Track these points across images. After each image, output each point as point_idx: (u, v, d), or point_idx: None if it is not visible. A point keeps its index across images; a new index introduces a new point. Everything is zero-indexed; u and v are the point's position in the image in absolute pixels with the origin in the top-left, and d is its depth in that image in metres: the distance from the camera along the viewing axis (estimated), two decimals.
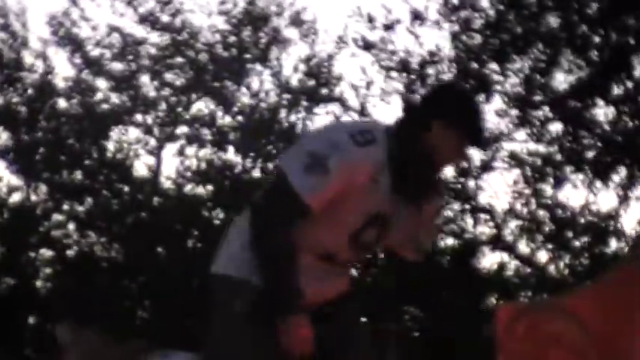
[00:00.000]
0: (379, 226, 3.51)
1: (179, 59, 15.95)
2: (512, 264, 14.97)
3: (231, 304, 3.46)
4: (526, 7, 12.58)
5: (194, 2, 16.40)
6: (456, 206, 14.10)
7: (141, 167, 16.22)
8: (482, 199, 14.33)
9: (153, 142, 16.20)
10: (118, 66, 16.04)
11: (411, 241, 3.65)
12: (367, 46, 13.50)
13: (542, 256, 14.56)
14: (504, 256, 14.79)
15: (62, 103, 16.12)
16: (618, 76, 12.50)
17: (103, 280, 14.47)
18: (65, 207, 15.92)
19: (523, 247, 14.51)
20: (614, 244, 14.14)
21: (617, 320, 3.95)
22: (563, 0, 12.44)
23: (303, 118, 15.61)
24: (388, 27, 13.35)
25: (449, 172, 12.99)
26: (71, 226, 15.95)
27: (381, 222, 3.50)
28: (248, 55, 15.80)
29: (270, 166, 15.54)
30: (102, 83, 16.12)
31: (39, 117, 15.85)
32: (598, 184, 13.15)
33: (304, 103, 15.52)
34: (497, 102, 13.04)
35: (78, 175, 15.81)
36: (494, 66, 12.84)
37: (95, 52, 16.05)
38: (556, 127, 13.16)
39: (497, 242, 14.45)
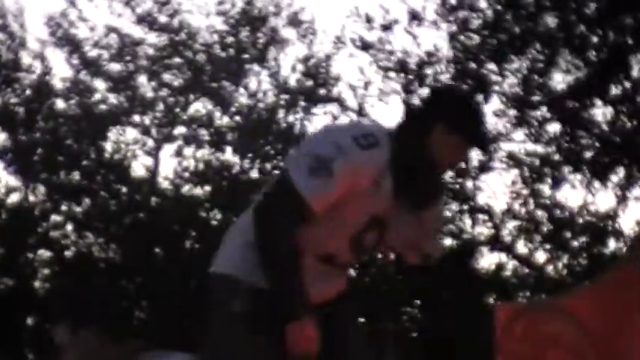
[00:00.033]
0: (378, 229, 3.51)
1: (177, 60, 15.95)
2: (511, 264, 14.98)
3: (230, 303, 3.46)
4: (524, 7, 12.58)
5: (192, 3, 16.44)
6: (455, 206, 14.11)
7: (138, 168, 16.23)
8: (481, 199, 14.34)
9: (150, 142, 16.20)
10: (115, 67, 16.04)
11: (412, 245, 3.65)
12: (365, 46, 13.50)
13: (541, 257, 14.57)
14: (503, 257, 14.80)
15: (60, 103, 16.11)
16: (616, 76, 12.50)
17: (101, 280, 14.46)
18: (63, 208, 15.91)
19: (521, 247, 14.52)
20: (612, 245, 14.15)
21: (615, 320, 3.94)
22: (560, 0, 12.43)
23: (301, 119, 15.62)
24: (386, 27, 13.35)
25: (447, 172, 12.99)
26: (69, 227, 15.95)
27: (380, 225, 3.50)
28: (246, 56, 15.80)
29: (268, 166, 15.54)
30: (100, 84, 16.13)
31: (37, 117, 15.84)
32: (596, 184, 13.16)
33: (302, 103, 15.51)
34: (495, 102, 13.06)
35: (76, 175, 15.80)
36: (492, 66, 12.84)
37: (93, 52, 16.04)
38: (554, 128, 13.17)
39: (495, 242, 14.45)
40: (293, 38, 15.86)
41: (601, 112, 12.84)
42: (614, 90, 12.64)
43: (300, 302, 3.36)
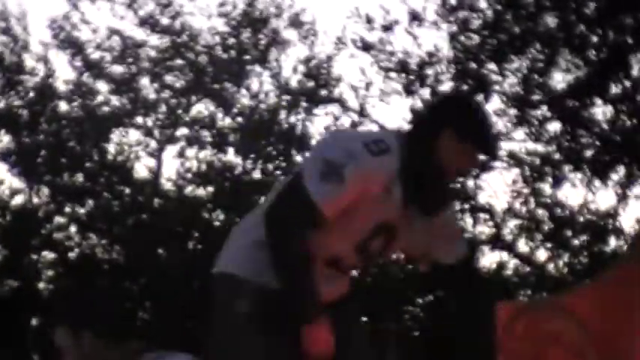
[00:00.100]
0: (386, 235, 3.50)
1: (179, 61, 15.94)
2: (512, 263, 14.97)
3: (233, 303, 3.45)
4: (524, 7, 12.56)
5: (194, 5, 16.41)
6: (456, 206, 14.10)
7: (141, 169, 16.22)
8: (482, 198, 14.33)
9: (153, 144, 16.20)
10: (118, 69, 16.04)
11: (423, 252, 3.66)
12: (366, 47, 13.49)
13: (542, 255, 14.56)
14: (504, 255, 14.79)
15: (63, 105, 16.12)
16: (616, 76, 12.48)
17: (104, 281, 14.46)
18: (67, 209, 15.91)
19: (522, 246, 14.51)
20: (613, 243, 14.14)
21: (616, 319, 3.93)
22: (560, 0, 12.42)
23: (303, 119, 15.61)
24: (387, 28, 13.34)
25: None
26: (73, 228, 15.95)
27: (388, 231, 3.50)
28: (247, 57, 15.79)
29: (270, 167, 15.53)
30: (102, 86, 16.12)
31: (40, 120, 15.84)
32: (597, 182, 13.14)
33: (304, 104, 15.50)
34: (495, 102, 13.04)
35: (79, 177, 15.80)
36: (492, 66, 12.83)
37: (95, 55, 16.04)
38: (554, 127, 13.16)
39: (496, 241, 14.44)
40: (294, 39, 15.86)
41: (601, 111, 12.83)
42: (614, 89, 12.63)
43: (312, 303, 3.36)
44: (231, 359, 3.46)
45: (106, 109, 16.06)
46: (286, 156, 15.51)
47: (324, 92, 15.34)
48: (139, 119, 16.18)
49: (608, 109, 12.78)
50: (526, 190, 13.99)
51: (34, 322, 15.69)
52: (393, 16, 13.32)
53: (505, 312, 4.05)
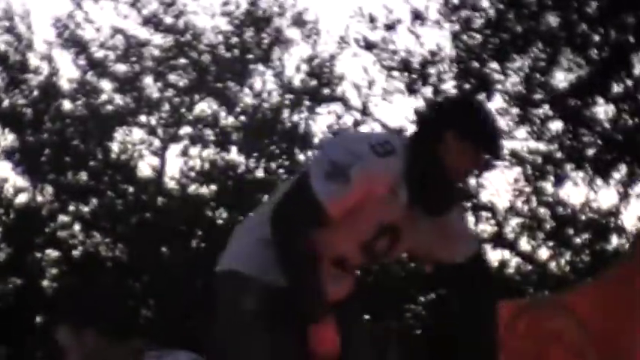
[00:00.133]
0: (391, 236, 3.51)
1: (182, 60, 15.93)
2: (514, 261, 14.95)
3: (239, 301, 3.44)
4: (526, 6, 12.56)
5: (197, 4, 16.37)
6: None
7: (145, 168, 16.21)
8: (484, 196, 14.32)
9: (157, 142, 16.19)
10: (122, 67, 16.02)
11: (428, 252, 3.66)
12: (369, 46, 13.48)
13: (544, 254, 14.55)
14: (506, 254, 14.78)
15: (67, 104, 16.10)
16: (618, 75, 12.47)
17: (108, 280, 14.46)
18: (71, 208, 15.91)
19: (524, 244, 14.50)
20: (614, 241, 14.13)
21: (617, 317, 3.93)
22: None
23: (306, 118, 15.60)
24: (389, 27, 13.33)
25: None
26: (77, 227, 15.95)
27: (392, 232, 3.50)
28: (250, 56, 15.78)
29: (273, 165, 15.52)
30: (106, 85, 16.11)
31: (44, 118, 15.84)
32: (598, 181, 13.13)
33: (307, 102, 15.50)
34: (498, 100, 13.04)
35: (83, 176, 15.79)
36: (494, 65, 12.82)
37: (99, 53, 16.03)
38: (556, 125, 13.15)
39: (498, 240, 14.43)
40: (297, 38, 15.85)
41: (603, 110, 12.83)
42: (616, 88, 12.62)
43: (319, 303, 3.36)
44: (236, 356, 3.45)
45: (109, 107, 16.05)
46: (289, 154, 15.51)
47: (326, 91, 15.33)
48: (143, 118, 16.18)
49: (610, 108, 12.77)
50: (528, 189, 13.98)
51: (38, 319, 15.69)
52: (395, 16, 13.33)
53: (507, 310, 4.05)
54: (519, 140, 13.47)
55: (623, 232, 13.97)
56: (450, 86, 13.07)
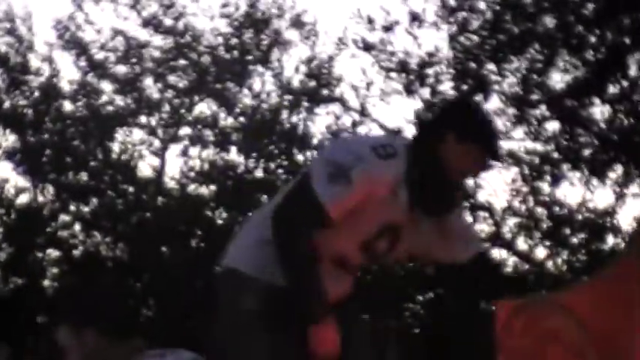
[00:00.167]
0: (391, 236, 3.50)
1: (182, 62, 15.92)
2: (511, 260, 14.95)
3: (240, 300, 3.44)
4: (523, 8, 12.55)
5: (196, 6, 16.37)
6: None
7: (145, 168, 16.21)
8: (481, 196, 14.31)
9: (157, 143, 16.18)
10: (122, 69, 16.02)
11: (429, 253, 3.67)
12: (367, 47, 13.47)
13: (541, 253, 14.55)
14: (503, 253, 14.77)
15: (68, 105, 16.10)
16: (614, 76, 12.47)
17: (107, 279, 14.45)
18: (71, 208, 15.91)
19: (521, 243, 14.50)
20: (610, 241, 14.13)
21: (614, 316, 3.92)
22: (559, 1, 12.40)
23: (305, 119, 15.60)
24: (387, 28, 13.32)
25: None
26: (77, 227, 15.95)
27: (393, 233, 3.50)
28: (250, 57, 15.77)
29: (272, 165, 15.51)
30: (106, 86, 16.11)
31: (45, 119, 15.83)
32: (595, 181, 13.14)
33: (305, 103, 15.49)
34: (495, 101, 13.03)
35: (84, 176, 15.79)
36: (491, 66, 12.81)
37: (100, 55, 16.02)
38: (553, 126, 13.15)
39: (496, 239, 14.42)
40: (296, 40, 15.84)
41: (599, 111, 12.83)
42: (612, 89, 12.62)
43: (319, 303, 3.35)
44: (236, 356, 3.45)
45: (110, 108, 16.05)
46: (288, 155, 15.50)
47: (325, 92, 15.33)
48: (143, 119, 16.18)
49: (606, 109, 12.77)
50: (525, 189, 13.98)
51: (38, 320, 15.68)
52: (393, 17, 13.32)
53: (504, 310, 4.04)
54: (516, 140, 13.48)
55: (619, 231, 13.97)
56: (447, 87, 13.07)
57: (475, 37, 12.83)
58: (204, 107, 16.10)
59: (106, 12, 16.10)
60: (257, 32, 15.82)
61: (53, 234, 15.75)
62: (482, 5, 12.73)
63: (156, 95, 16.12)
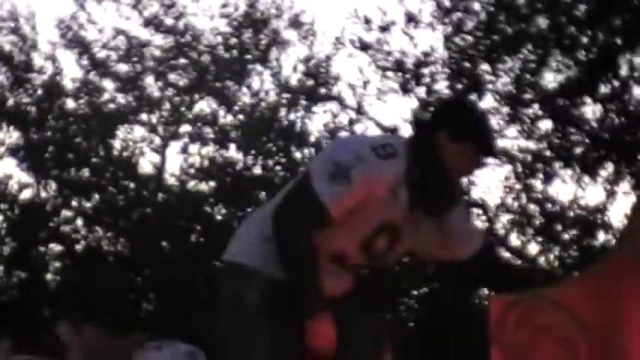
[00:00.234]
0: (390, 235, 3.49)
1: (182, 60, 15.91)
2: (504, 256, 14.93)
3: (243, 293, 3.43)
4: (516, 9, 12.54)
5: (197, 6, 16.35)
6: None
7: (146, 165, 16.19)
8: (475, 193, 14.31)
9: (157, 140, 16.17)
10: (123, 67, 16.00)
11: (428, 253, 3.66)
12: (364, 47, 13.46)
13: (533, 249, 14.54)
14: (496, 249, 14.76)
15: (70, 103, 16.08)
16: (605, 76, 12.47)
17: (108, 275, 14.44)
18: (73, 203, 15.89)
19: (514, 240, 14.49)
20: (601, 237, 14.12)
21: (605, 311, 3.92)
22: (552, 2, 12.40)
23: (302, 117, 15.58)
24: (384, 29, 13.31)
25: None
26: (79, 222, 15.93)
27: (391, 231, 3.48)
28: (249, 56, 15.76)
29: (271, 163, 15.50)
30: (108, 84, 16.09)
31: (48, 117, 15.81)
32: (586, 179, 13.13)
33: (303, 102, 15.48)
34: (489, 100, 13.02)
35: (85, 172, 15.78)
36: (486, 66, 12.81)
37: (102, 54, 16.00)
38: (546, 125, 13.15)
39: (489, 235, 14.42)
40: (294, 39, 15.83)
41: (590, 110, 12.82)
42: (603, 88, 12.62)
43: (317, 299, 3.34)
44: (239, 349, 3.44)
45: (111, 106, 16.03)
46: (286, 152, 15.49)
47: (323, 90, 15.31)
48: (144, 116, 16.16)
49: (598, 108, 12.77)
50: (518, 186, 13.98)
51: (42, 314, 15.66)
52: (390, 18, 13.31)
53: (498, 304, 4.04)
54: (510, 139, 13.48)
55: (609, 228, 13.97)
56: (442, 86, 13.06)
57: (470, 38, 12.82)
58: (204, 105, 16.10)
59: (108, 12, 16.09)
60: (256, 32, 15.81)
61: (56, 229, 15.73)
62: (476, 6, 12.73)
63: (156, 93, 16.10)
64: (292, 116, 15.64)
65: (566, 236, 14.24)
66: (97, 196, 15.68)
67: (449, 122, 3.47)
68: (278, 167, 15.46)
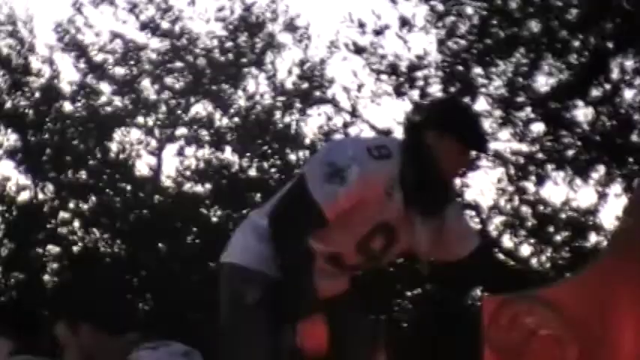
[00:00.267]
0: (386, 235, 3.49)
1: (178, 64, 15.91)
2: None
3: (243, 294, 3.43)
4: (509, 13, 12.55)
5: (193, 10, 16.35)
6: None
7: (142, 167, 16.20)
8: (468, 195, 14.31)
9: (154, 143, 16.17)
10: (120, 70, 16.01)
11: (425, 254, 3.66)
12: (358, 50, 13.46)
13: (525, 250, 14.54)
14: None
15: (67, 106, 16.08)
16: (597, 79, 12.47)
17: (103, 275, 14.42)
18: (71, 205, 15.88)
19: (507, 241, 14.49)
20: (593, 239, 14.12)
21: (596, 311, 3.93)
22: (544, 6, 12.40)
23: (297, 120, 15.59)
24: (378, 32, 13.31)
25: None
26: (76, 223, 15.92)
27: (387, 232, 3.48)
28: (244, 60, 15.76)
29: (266, 165, 15.51)
30: (105, 87, 16.09)
31: (45, 119, 15.81)
32: (578, 181, 13.14)
33: (298, 104, 15.49)
34: (482, 103, 13.02)
35: (83, 174, 15.77)
36: (478, 69, 12.81)
37: (99, 57, 16.01)
38: (538, 127, 13.15)
39: (482, 237, 14.40)
40: (289, 43, 15.84)
41: (582, 113, 12.83)
42: (595, 92, 12.62)
43: (309, 300, 3.34)
44: (237, 348, 3.43)
45: (108, 109, 16.03)
46: (281, 154, 15.49)
47: (317, 93, 15.32)
48: (140, 119, 16.16)
49: (589, 111, 12.77)
50: (511, 188, 13.98)
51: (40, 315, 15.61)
52: (384, 21, 13.30)
53: (490, 304, 4.04)
54: (502, 142, 13.47)
55: (601, 230, 13.97)
56: (436, 89, 13.06)
57: (463, 42, 12.82)
58: (199, 108, 16.11)
59: (105, 15, 16.08)
60: (251, 35, 15.81)
61: (53, 230, 15.72)
62: (469, 11, 12.73)
63: (153, 96, 16.11)
64: (287, 119, 15.65)
65: (558, 238, 14.25)
66: (94, 198, 15.67)
67: (434, 120, 3.47)
68: (273, 169, 15.47)
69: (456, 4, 12.76)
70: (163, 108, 16.10)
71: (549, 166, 13.21)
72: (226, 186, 15.34)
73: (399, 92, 13.21)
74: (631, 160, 12.58)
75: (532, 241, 14.33)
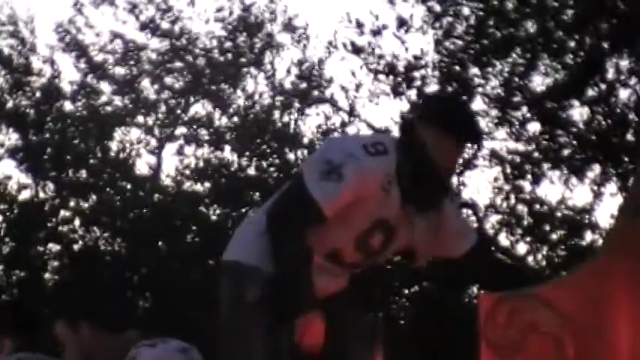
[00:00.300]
0: (385, 232, 3.48)
1: (178, 64, 15.91)
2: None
3: (243, 290, 3.43)
4: (505, 14, 12.54)
5: (192, 10, 16.34)
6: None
7: (142, 166, 16.20)
8: (465, 194, 14.30)
9: (153, 142, 16.17)
10: (120, 70, 16.00)
11: (423, 251, 3.65)
12: (356, 50, 13.45)
13: (522, 249, 14.54)
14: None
15: (68, 105, 16.07)
16: (592, 79, 12.48)
17: (102, 274, 14.42)
18: (71, 204, 15.87)
19: (503, 240, 14.49)
20: (589, 237, 14.13)
21: (591, 308, 3.92)
22: (540, 7, 12.40)
23: (296, 119, 15.58)
24: (376, 32, 13.30)
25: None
26: (77, 222, 15.92)
27: (386, 228, 3.47)
28: (243, 60, 15.76)
29: (265, 164, 15.50)
30: (105, 87, 16.08)
31: (46, 119, 15.80)
32: (574, 180, 13.14)
33: (297, 104, 15.48)
34: (478, 103, 13.02)
35: (83, 173, 15.76)
36: (475, 69, 12.81)
37: (99, 57, 16.00)
38: (534, 127, 13.15)
39: (479, 235, 14.40)
40: (288, 43, 15.83)
41: (578, 113, 12.83)
42: (591, 91, 12.63)
43: (307, 297, 3.33)
44: (238, 346, 3.43)
45: (108, 108, 16.02)
46: (280, 154, 15.48)
47: (316, 93, 15.31)
48: (140, 118, 16.16)
49: (585, 111, 12.78)
50: (507, 187, 13.98)
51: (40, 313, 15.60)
52: (381, 22, 13.29)
53: (487, 302, 4.03)
54: (499, 141, 13.47)
55: (596, 228, 13.98)
56: (433, 89, 13.05)
57: (460, 42, 12.82)
58: (199, 108, 16.11)
59: (106, 16, 16.07)
60: (250, 36, 15.81)
61: (54, 229, 15.71)
62: (466, 11, 12.73)
63: (153, 96, 16.11)
64: (286, 118, 15.65)
65: (554, 236, 14.25)
66: (94, 197, 15.66)
67: (427, 115, 3.46)
68: (272, 168, 15.46)
69: (453, 5, 12.76)
70: (163, 107, 16.09)
71: (545, 165, 13.22)
72: (225, 185, 15.33)
73: (396, 92, 13.20)
74: (626, 159, 12.57)
75: (528, 239, 14.33)
